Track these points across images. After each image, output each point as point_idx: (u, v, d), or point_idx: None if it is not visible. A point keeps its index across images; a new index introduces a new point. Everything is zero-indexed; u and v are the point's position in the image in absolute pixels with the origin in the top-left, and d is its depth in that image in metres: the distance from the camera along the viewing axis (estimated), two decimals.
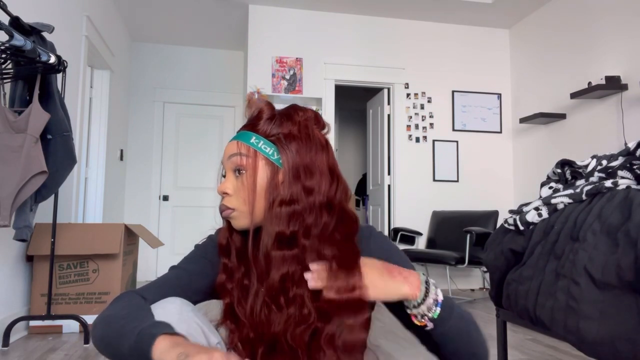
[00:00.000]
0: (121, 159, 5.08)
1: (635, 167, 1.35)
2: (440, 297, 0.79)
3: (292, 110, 0.86)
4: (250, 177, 0.79)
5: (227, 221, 0.85)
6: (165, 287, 0.85)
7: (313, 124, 0.86)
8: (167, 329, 0.69)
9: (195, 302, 0.88)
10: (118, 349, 0.71)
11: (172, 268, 0.90)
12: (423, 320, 0.78)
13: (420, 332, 0.84)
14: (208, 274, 0.88)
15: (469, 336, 0.80)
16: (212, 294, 0.89)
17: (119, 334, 0.71)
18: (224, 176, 0.85)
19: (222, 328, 0.87)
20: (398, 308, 0.82)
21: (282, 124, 0.83)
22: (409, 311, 0.79)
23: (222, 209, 0.82)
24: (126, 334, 0.70)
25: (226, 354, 0.63)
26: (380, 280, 0.77)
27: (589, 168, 1.54)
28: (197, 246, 0.93)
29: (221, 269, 0.86)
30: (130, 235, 3.09)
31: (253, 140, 0.81)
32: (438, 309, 0.78)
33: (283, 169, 0.79)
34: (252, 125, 0.84)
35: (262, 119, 0.84)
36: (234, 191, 0.82)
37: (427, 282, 0.79)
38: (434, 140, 4.85)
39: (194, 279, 0.88)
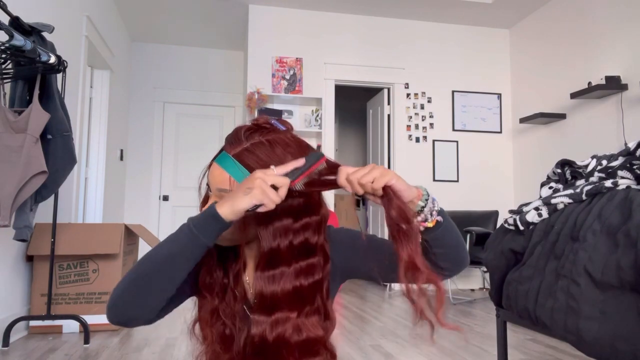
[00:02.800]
0: (121, 159, 5.08)
1: (635, 167, 1.35)
2: (433, 195, 0.85)
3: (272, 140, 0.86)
4: (239, 219, 0.80)
5: None
6: None
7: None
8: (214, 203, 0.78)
9: (175, 303, 0.89)
10: (157, 270, 0.76)
11: None
12: (433, 218, 0.82)
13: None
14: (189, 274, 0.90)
15: (458, 233, 0.89)
16: (190, 293, 0.92)
17: (161, 250, 0.77)
18: (209, 188, 0.87)
19: (194, 332, 0.91)
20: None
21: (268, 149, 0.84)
22: (419, 218, 0.82)
23: None
24: (173, 239, 0.77)
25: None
26: (403, 180, 0.82)
27: (589, 168, 1.54)
28: None
29: (205, 270, 0.89)
30: (130, 235, 3.10)
31: None
32: (437, 203, 0.84)
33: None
34: (243, 154, 0.83)
35: (254, 148, 0.83)
36: None
37: (425, 191, 0.85)
38: (434, 140, 4.86)
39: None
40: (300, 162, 0.80)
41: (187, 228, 0.76)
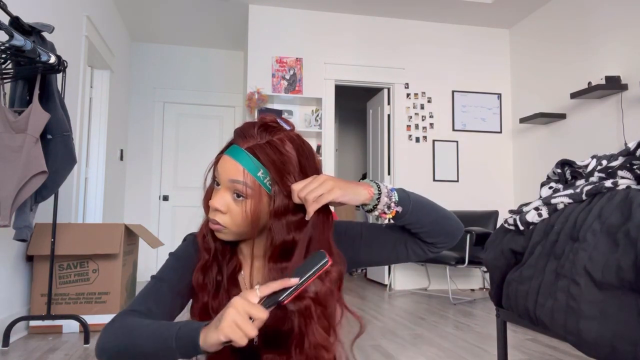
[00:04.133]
0: (121, 159, 5.08)
1: (635, 167, 1.35)
2: (390, 186, 0.87)
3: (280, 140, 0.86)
4: (255, 210, 0.81)
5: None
6: (149, 299, 0.87)
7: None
8: (203, 324, 0.74)
9: (176, 310, 0.90)
10: (134, 354, 0.75)
11: (153, 278, 0.91)
12: (393, 209, 0.85)
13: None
14: (185, 281, 0.90)
15: (429, 203, 0.90)
16: (188, 297, 0.92)
17: (144, 337, 0.74)
18: (215, 180, 0.86)
19: None
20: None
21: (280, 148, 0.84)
22: (375, 213, 0.86)
23: (213, 222, 0.84)
24: (161, 335, 0.73)
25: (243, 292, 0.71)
26: (343, 184, 0.83)
27: (589, 168, 1.54)
28: (172, 255, 0.95)
29: (199, 266, 0.89)
30: (130, 235, 3.09)
31: (260, 174, 0.81)
32: (395, 194, 0.86)
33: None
34: (255, 149, 0.83)
35: (271, 147, 0.83)
36: (229, 210, 0.83)
37: (373, 181, 0.87)
38: (434, 140, 4.86)
39: (173, 288, 0.89)
40: (287, 282, 0.72)
41: (169, 339, 0.73)
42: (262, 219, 0.83)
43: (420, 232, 0.90)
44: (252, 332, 0.67)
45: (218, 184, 0.85)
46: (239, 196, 0.82)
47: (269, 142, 0.82)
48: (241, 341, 0.67)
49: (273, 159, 0.81)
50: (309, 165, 0.85)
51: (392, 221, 0.89)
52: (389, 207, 0.85)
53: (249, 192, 0.81)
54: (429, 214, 0.89)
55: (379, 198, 0.84)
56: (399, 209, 0.85)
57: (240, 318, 0.67)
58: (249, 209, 0.81)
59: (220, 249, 0.89)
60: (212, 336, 0.68)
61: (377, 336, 2.64)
